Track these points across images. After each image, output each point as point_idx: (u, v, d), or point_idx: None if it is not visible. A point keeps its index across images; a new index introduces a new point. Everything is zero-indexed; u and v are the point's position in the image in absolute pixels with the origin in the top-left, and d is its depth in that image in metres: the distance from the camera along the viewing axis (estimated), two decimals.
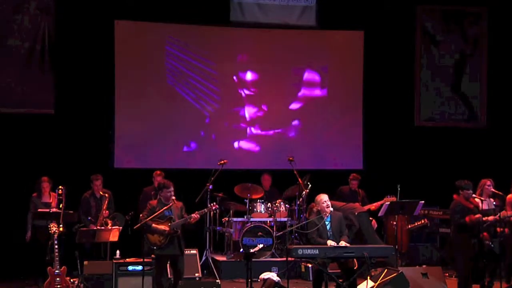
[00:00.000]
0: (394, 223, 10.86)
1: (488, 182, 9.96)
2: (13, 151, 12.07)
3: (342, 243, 9.05)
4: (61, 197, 10.45)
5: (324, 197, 9.38)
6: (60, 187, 10.53)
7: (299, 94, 13.58)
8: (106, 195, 11.05)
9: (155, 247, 9.00)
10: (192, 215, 9.12)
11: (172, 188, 9.11)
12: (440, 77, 14.05)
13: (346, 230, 9.56)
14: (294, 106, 13.57)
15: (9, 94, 12.17)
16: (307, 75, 13.59)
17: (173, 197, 9.08)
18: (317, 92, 13.64)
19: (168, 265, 9.42)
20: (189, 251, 10.59)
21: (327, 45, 13.70)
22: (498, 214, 9.72)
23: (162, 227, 8.99)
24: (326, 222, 9.30)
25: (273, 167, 12.95)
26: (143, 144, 12.86)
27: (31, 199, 10.86)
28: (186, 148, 13.15)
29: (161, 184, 9.27)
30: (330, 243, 9.05)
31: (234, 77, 13.34)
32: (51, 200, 10.79)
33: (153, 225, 8.99)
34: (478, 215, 9.52)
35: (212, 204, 9.83)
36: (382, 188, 11.42)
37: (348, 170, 12.64)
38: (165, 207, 9.04)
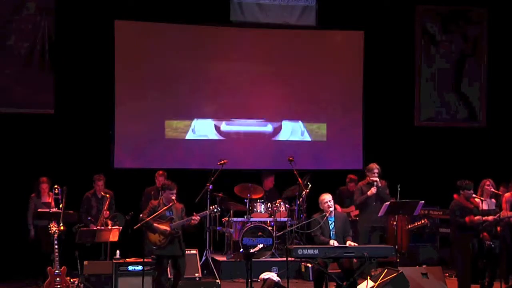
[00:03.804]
0: (394, 223, 10.85)
1: (488, 182, 9.97)
2: (13, 151, 12.07)
3: (350, 244, 9.08)
4: (57, 196, 10.47)
5: (326, 197, 9.40)
6: (56, 186, 10.54)
7: (299, 93, 13.58)
8: (108, 195, 11.06)
9: (155, 247, 9.03)
10: (193, 217, 9.13)
11: (175, 191, 9.16)
12: (440, 77, 14.05)
13: (351, 230, 9.58)
14: (294, 105, 13.56)
15: (9, 94, 12.17)
16: (307, 75, 13.58)
17: (173, 198, 9.11)
18: (317, 92, 13.62)
19: (169, 265, 9.43)
20: (189, 251, 10.58)
21: (327, 45, 13.70)
22: (498, 215, 9.72)
23: (163, 226, 9.03)
24: (330, 221, 9.33)
25: (273, 167, 12.95)
26: (143, 144, 12.86)
27: (30, 199, 10.86)
28: (186, 148, 13.14)
29: (165, 185, 9.29)
30: (332, 242, 9.06)
31: (234, 77, 13.33)
32: (50, 200, 10.79)
33: (155, 224, 9.01)
34: (478, 217, 9.52)
35: (213, 206, 9.84)
36: None
37: (348, 170, 12.64)
38: (165, 207, 9.06)
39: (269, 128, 13.48)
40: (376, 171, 10.68)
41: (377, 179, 10.64)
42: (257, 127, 13.45)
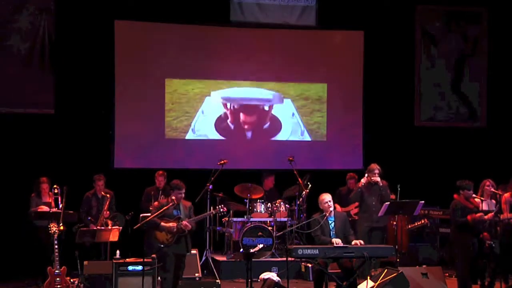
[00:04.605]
0: (394, 223, 10.86)
1: (488, 183, 9.97)
2: (13, 151, 12.08)
3: (356, 243, 9.09)
4: (57, 196, 10.47)
5: (326, 197, 9.40)
6: (55, 186, 10.54)
7: (299, 93, 13.59)
8: (108, 195, 11.06)
9: (162, 245, 9.04)
10: (183, 222, 9.14)
11: (183, 190, 9.18)
12: (440, 77, 14.06)
13: (351, 230, 9.59)
14: (294, 105, 13.57)
15: (9, 94, 12.17)
16: (307, 75, 13.59)
17: (173, 197, 9.12)
18: (317, 91, 13.63)
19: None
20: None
21: (327, 45, 13.71)
22: (498, 216, 9.72)
23: (170, 225, 9.04)
24: (330, 221, 9.35)
25: (273, 167, 12.96)
26: (143, 144, 12.86)
27: (31, 199, 10.85)
28: (186, 148, 13.15)
29: (173, 184, 9.29)
30: (336, 241, 9.07)
31: (234, 77, 13.34)
32: (50, 200, 10.79)
33: (162, 223, 9.03)
34: (480, 214, 9.51)
35: (220, 206, 9.86)
36: None
37: (348, 170, 12.63)
38: (165, 207, 9.06)
39: (267, 127, 13.47)
40: (376, 171, 10.70)
41: (378, 179, 10.65)
42: (256, 126, 13.45)
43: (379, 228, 10.69)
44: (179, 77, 13.11)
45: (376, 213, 10.51)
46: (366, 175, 10.68)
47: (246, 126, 13.44)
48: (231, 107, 13.34)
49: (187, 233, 9.15)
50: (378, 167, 10.72)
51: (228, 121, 13.35)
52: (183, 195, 9.19)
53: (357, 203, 11.20)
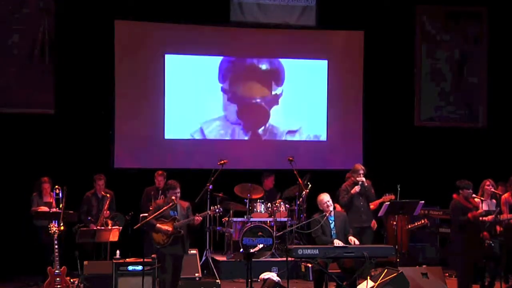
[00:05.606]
0: (394, 223, 10.86)
1: (488, 182, 9.98)
2: (13, 151, 12.08)
3: (351, 239, 9.10)
4: (58, 197, 10.48)
5: (325, 197, 9.41)
6: (56, 186, 10.55)
7: (299, 93, 13.58)
8: (108, 195, 11.07)
9: (158, 246, 9.04)
10: (195, 217, 9.15)
11: (178, 190, 9.14)
12: (440, 77, 14.05)
13: (351, 230, 9.59)
14: (294, 105, 13.56)
15: (9, 94, 12.17)
16: (307, 75, 13.59)
17: (173, 197, 9.11)
18: (317, 92, 13.63)
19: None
20: (189, 251, 10.58)
21: (327, 45, 13.70)
22: (498, 216, 9.72)
23: (165, 227, 9.04)
24: (330, 221, 9.36)
25: (273, 167, 12.95)
26: (143, 144, 12.86)
27: (32, 198, 10.85)
28: (186, 148, 13.15)
29: (168, 185, 9.30)
30: (337, 242, 9.07)
31: (234, 77, 13.34)
32: (51, 200, 10.79)
33: (157, 224, 9.02)
34: (480, 211, 9.51)
35: (216, 206, 9.86)
36: (382, 188, 11.42)
37: (348, 170, 12.61)
38: (165, 207, 9.06)
39: (268, 127, 13.47)
40: (361, 172, 10.74)
41: (363, 179, 10.67)
42: (257, 126, 13.45)
43: (368, 228, 10.70)
44: (179, 77, 13.12)
45: (364, 213, 10.56)
46: (359, 184, 10.66)
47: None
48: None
49: (182, 234, 9.12)
50: (362, 167, 10.77)
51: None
52: (178, 194, 9.15)
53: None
